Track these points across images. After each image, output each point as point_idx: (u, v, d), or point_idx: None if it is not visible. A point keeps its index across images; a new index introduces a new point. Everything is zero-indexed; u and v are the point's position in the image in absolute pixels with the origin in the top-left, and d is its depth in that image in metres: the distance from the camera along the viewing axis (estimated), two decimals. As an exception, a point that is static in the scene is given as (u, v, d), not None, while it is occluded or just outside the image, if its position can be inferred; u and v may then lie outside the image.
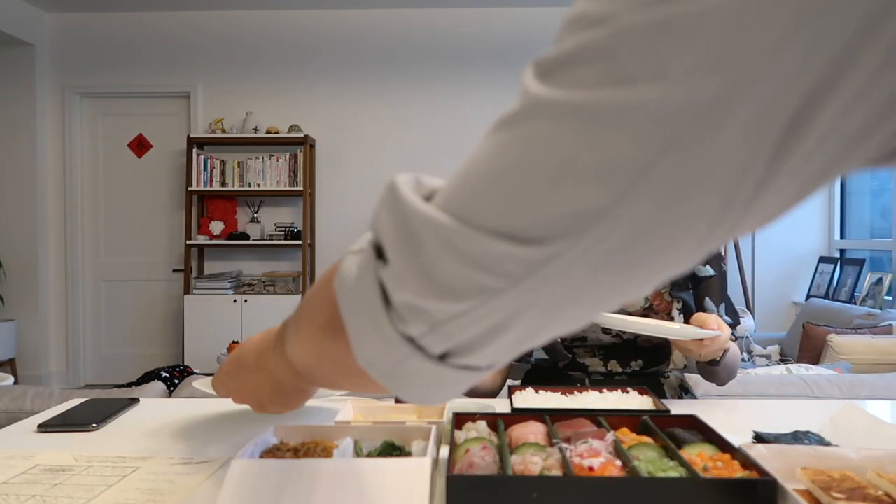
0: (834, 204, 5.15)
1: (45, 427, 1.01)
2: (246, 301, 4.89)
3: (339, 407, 1.04)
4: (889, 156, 0.28)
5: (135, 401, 1.17)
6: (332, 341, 0.44)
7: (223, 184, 5.04)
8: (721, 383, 1.32)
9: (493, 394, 1.34)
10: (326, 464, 0.71)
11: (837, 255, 5.03)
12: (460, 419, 0.88)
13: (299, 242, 5.00)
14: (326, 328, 0.45)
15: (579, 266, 0.29)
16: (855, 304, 4.32)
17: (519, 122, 0.28)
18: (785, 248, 5.16)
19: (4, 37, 4.80)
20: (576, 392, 1.09)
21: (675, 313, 1.33)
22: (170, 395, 1.79)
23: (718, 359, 1.21)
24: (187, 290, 4.99)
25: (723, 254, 1.44)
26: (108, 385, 4.53)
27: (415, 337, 0.34)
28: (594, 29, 0.26)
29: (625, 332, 1.31)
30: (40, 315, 5.13)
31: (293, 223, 5.17)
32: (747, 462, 0.71)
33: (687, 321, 1.29)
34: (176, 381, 2.95)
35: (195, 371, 3.40)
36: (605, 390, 1.09)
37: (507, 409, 1.00)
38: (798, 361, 3.52)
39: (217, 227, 5.11)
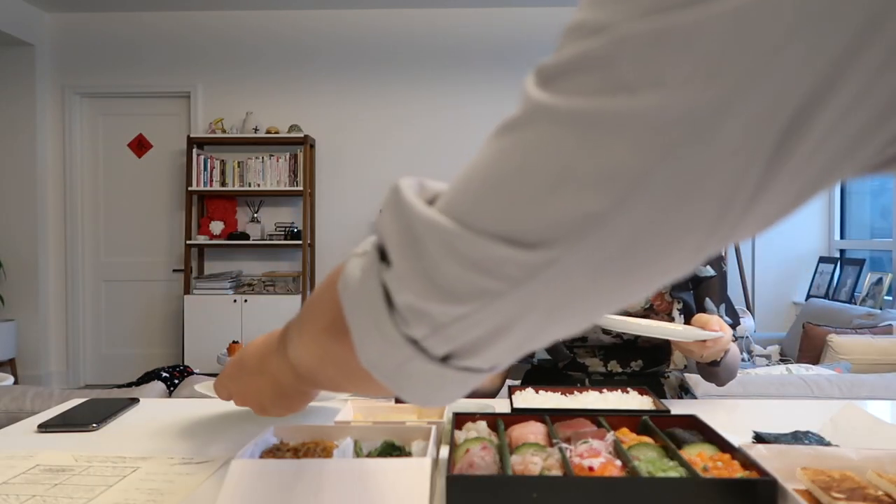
0: (834, 204, 5.15)
1: (45, 427, 1.01)
2: (246, 301, 4.89)
3: (339, 407, 1.04)
4: (887, 163, 0.29)
5: (135, 401, 1.17)
6: (335, 343, 0.45)
7: (223, 184, 5.04)
8: (721, 383, 1.32)
9: (492, 394, 1.34)
10: (326, 464, 0.71)
11: (837, 255, 5.03)
12: (460, 419, 0.88)
13: (299, 242, 5.00)
14: (330, 330, 0.45)
15: (579, 270, 0.29)
16: (855, 304, 4.32)
17: (520, 127, 0.29)
18: (785, 248, 5.17)
19: (4, 37, 4.80)
20: (576, 392, 1.09)
21: (675, 314, 1.33)
22: (170, 395, 1.79)
23: (719, 359, 1.21)
24: (187, 290, 4.99)
25: (723, 254, 1.44)
26: (108, 385, 4.53)
27: (417, 339, 0.34)
28: (593, 38, 0.26)
29: (625, 333, 1.31)
30: (40, 315, 5.13)
31: (293, 223, 5.17)
32: (747, 462, 0.71)
33: (687, 321, 1.29)
34: (176, 381, 2.95)
35: (195, 371, 3.39)
36: (605, 390, 1.09)
37: (507, 409, 1.00)
38: (798, 361, 3.52)
39: (217, 227, 5.11)
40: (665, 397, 1.33)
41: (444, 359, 0.35)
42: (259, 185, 5.03)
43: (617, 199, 0.27)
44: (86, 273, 5.34)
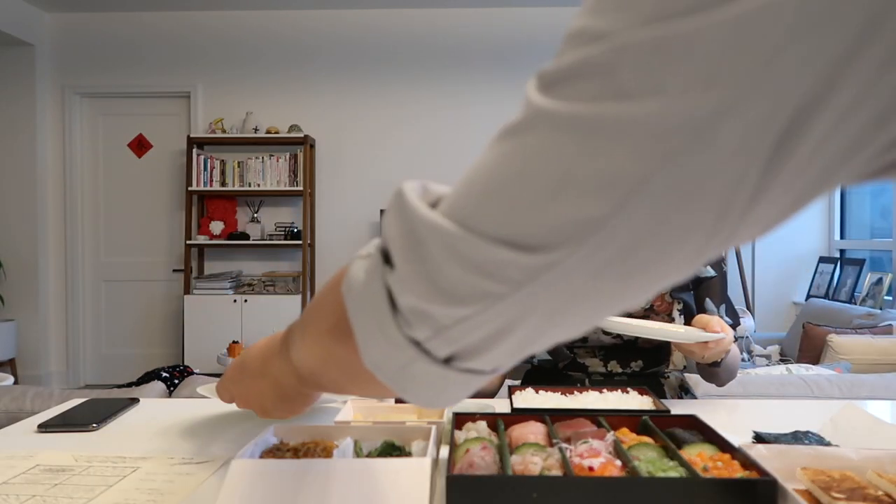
0: (834, 204, 5.15)
1: (45, 427, 1.01)
2: (246, 301, 4.89)
3: (339, 406, 1.04)
4: (885, 169, 0.29)
5: (135, 401, 1.17)
6: (338, 345, 0.45)
7: (223, 184, 5.04)
8: (721, 384, 1.32)
9: (491, 395, 1.34)
10: (326, 464, 0.71)
11: (837, 255, 5.03)
12: (460, 419, 0.88)
13: (299, 242, 5.00)
14: (333, 332, 0.45)
15: (579, 273, 0.30)
16: (855, 304, 4.32)
17: (521, 132, 0.29)
18: (785, 248, 5.17)
19: (4, 37, 4.80)
20: (576, 392, 1.09)
21: (675, 314, 1.33)
22: (170, 395, 1.79)
23: (720, 360, 1.21)
24: (187, 290, 4.99)
25: (723, 255, 1.44)
26: (108, 385, 4.54)
27: (420, 340, 0.35)
28: (594, 45, 0.27)
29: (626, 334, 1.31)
30: (40, 315, 5.13)
31: (293, 223, 5.17)
32: (747, 462, 0.71)
33: (688, 322, 1.29)
34: (176, 381, 2.95)
35: (195, 371, 3.39)
36: (605, 390, 1.09)
37: (507, 409, 1.00)
38: (798, 361, 3.52)
39: (217, 227, 5.11)
40: (665, 397, 1.33)
41: (447, 360, 0.35)
42: (259, 185, 5.03)
43: (617, 204, 0.27)
44: (86, 273, 5.34)
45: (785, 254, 5.18)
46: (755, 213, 0.28)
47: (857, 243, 5.03)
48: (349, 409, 0.99)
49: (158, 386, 1.76)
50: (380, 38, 5.18)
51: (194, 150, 5.00)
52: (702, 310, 1.34)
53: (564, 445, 0.75)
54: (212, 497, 0.71)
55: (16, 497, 0.73)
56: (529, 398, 1.08)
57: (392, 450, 0.80)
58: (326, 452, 0.77)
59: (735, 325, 1.32)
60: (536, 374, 1.43)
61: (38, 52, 5.09)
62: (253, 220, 5.18)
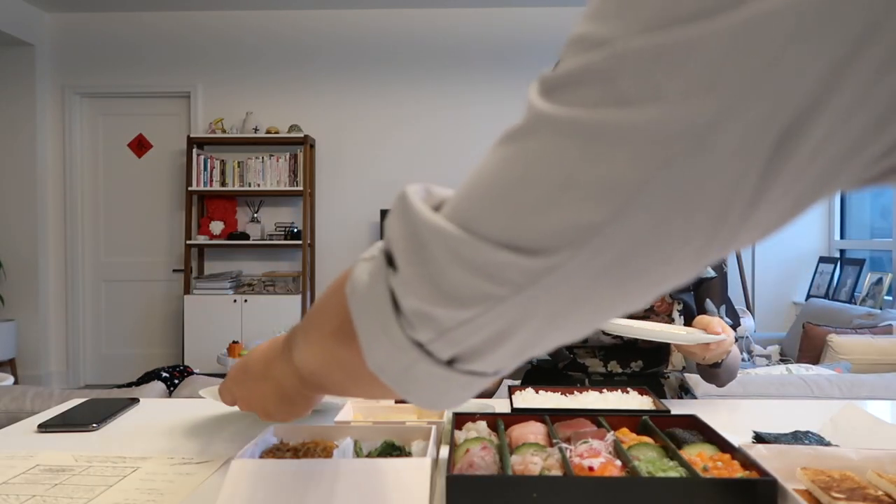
0: (834, 204, 5.15)
1: (45, 427, 1.01)
2: (246, 301, 4.89)
3: (339, 406, 1.04)
4: (884, 175, 0.29)
5: (135, 401, 1.17)
6: (341, 347, 0.45)
7: (223, 184, 5.04)
8: (721, 384, 1.32)
9: (489, 394, 1.34)
10: (326, 464, 0.71)
11: (837, 255, 5.03)
12: (460, 419, 0.88)
13: (299, 242, 5.00)
14: (336, 334, 0.46)
15: (579, 276, 0.30)
16: (855, 304, 4.32)
17: (524, 136, 0.30)
18: (785, 248, 5.17)
19: (4, 37, 4.80)
20: (576, 392, 1.09)
21: (675, 314, 1.33)
22: (170, 395, 1.79)
23: (720, 361, 1.21)
24: (187, 290, 4.99)
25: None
26: (108, 385, 4.54)
27: (423, 342, 0.35)
28: (595, 51, 0.27)
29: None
30: (40, 315, 5.13)
31: (293, 223, 5.17)
32: (747, 462, 0.71)
33: (688, 322, 1.29)
34: (176, 381, 2.95)
35: (195, 371, 3.39)
36: (605, 390, 1.09)
37: (507, 409, 1.00)
38: (798, 361, 3.52)
39: (217, 227, 5.11)
40: (665, 397, 1.33)
41: (450, 362, 0.36)
42: (259, 185, 5.03)
43: (617, 209, 0.28)
44: (86, 273, 5.34)
45: (785, 254, 5.18)
46: (755, 217, 0.28)
47: (857, 243, 5.03)
48: (349, 409, 0.99)
49: (158, 386, 1.76)
50: (380, 38, 5.18)
51: (194, 150, 5.00)
52: (702, 310, 1.34)
53: (564, 445, 0.75)
54: (212, 497, 0.71)
55: (16, 497, 0.73)
56: (529, 398, 1.08)
57: (392, 450, 0.80)
58: (326, 452, 0.77)
59: (735, 325, 1.32)
60: (536, 374, 1.43)
61: (38, 52, 5.09)
62: (253, 220, 5.18)
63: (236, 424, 1.03)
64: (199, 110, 5.21)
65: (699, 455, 0.75)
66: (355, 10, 5.15)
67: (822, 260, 4.98)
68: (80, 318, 5.31)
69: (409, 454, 0.80)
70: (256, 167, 5.03)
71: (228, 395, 0.76)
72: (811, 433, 0.87)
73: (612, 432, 0.79)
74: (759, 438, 0.87)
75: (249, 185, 5.03)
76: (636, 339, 1.34)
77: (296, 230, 5.08)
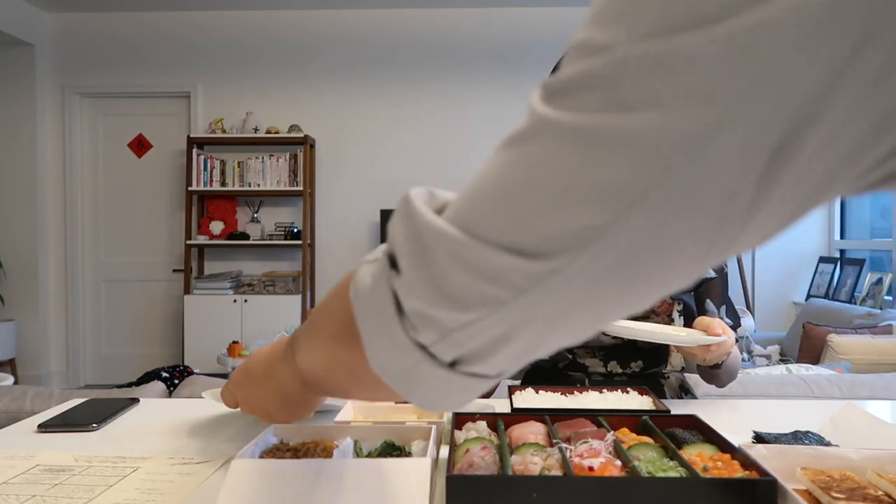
0: (834, 204, 5.15)
1: (45, 427, 1.01)
2: (246, 301, 4.89)
3: (340, 408, 1.04)
4: (884, 180, 0.29)
5: (135, 401, 1.17)
6: (344, 349, 0.46)
7: (223, 184, 5.05)
8: (722, 385, 1.32)
9: (488, 394, 1.34)
10: (326, 464, 0.71)
11: (837, 255, 5.03)
12: (460, 419, 0.88)
13: (299, 242, 5.00)
14: (340, 336, 0.46)
15: (580, 279, 0.30)
16: (855, 304, 4.32)
17: (526, 140, 0.30)
18: (785, 248, 5.17)
19: (4, 37, 4.80)
20: (576, 392, 1.09)
21: (675, 315, 1.33)
22: (170, 395, 1.79)
23: (720, 362, 1.21)
24: (187, 290, 4.99)
25: (723, 255, 1.43)
26: (108, 385, 4.54)
27: (426, 344, 0.35)
28: (596, 57, 0.27)
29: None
30: (40, 315, 5.13)
31: (293, 223, 5.17)
32: (747, 462, 0.71)
33: (688, 323, 1.28)
34: (176, 381, 2.95)
35: (195, 371, 3.39)
36: (604, 390, 1.09)
37: (507, 409, 1.00)
38: (798, 361, 3.52)
39: (217, 227, 5.11)
40: (665, 398, 1.33)
41: (452, 364, 0.36)
42: (259, 185, 5.03)
43: (617, 213, 0.28)
44: (86, 273, 5.34)
45: (785, 254, 5.18)
46: (755, 221, 0.28)
47: (857, 243, 5.03)
48: (349, 409, 0.99)
49: (158, 386, 1.76)
50: (380, 38, 5.18)
51: (194, 150, 5.00)
52: (702, 311, 1.34)
53: (564, 445, 0.75)
54: (212, 497, 0.71)
55: (16, 497, 0.73)
56: (529, 398, 1.08)
57: (392, 450, 0.80)
58: (326, 452, 0.77)
59: (736, 326, 1.31)
60: (536, 374, 1.43)
61: (38, 52, 5.09)
62: (253, 220, 5.18)
63: (236, 424, 1.03)
64: (199, 110, 5.21)
65: (699, 455, 0.75)
66: (355, 10, 5.15)
67: (823, 260, 4.98)
68: (80, 318, 5.31)
69: (409, 454, 0.80)
70: (256, 167, 5.03)
71: (230, 398, 0.76)
72: (811, 433, 0.87)
73: (612, 432, 0.79)
74: (759, 438, 0.87)
75: (249, 185, 5.03)
76: (636, 340, 1.34)
77: (296, 230, 5.08)
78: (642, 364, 1.35)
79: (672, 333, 1.13)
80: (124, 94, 5.24)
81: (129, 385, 2.36)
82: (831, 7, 0.23)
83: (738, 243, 0.30)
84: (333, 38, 5.19)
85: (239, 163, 5.04)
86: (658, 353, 1.36)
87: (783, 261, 5.20)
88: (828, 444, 0.84)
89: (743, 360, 3.95)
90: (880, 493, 0.65)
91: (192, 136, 5.05)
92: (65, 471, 0.82)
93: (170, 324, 5.27)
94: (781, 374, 2.18)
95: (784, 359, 4.08)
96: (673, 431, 0.82)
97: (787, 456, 0.74)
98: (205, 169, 5.02)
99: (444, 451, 0.83)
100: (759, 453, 0.73)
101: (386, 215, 4.94)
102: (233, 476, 0.68)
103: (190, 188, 5.00)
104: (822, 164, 0.27)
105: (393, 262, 0.36)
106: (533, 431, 0.83)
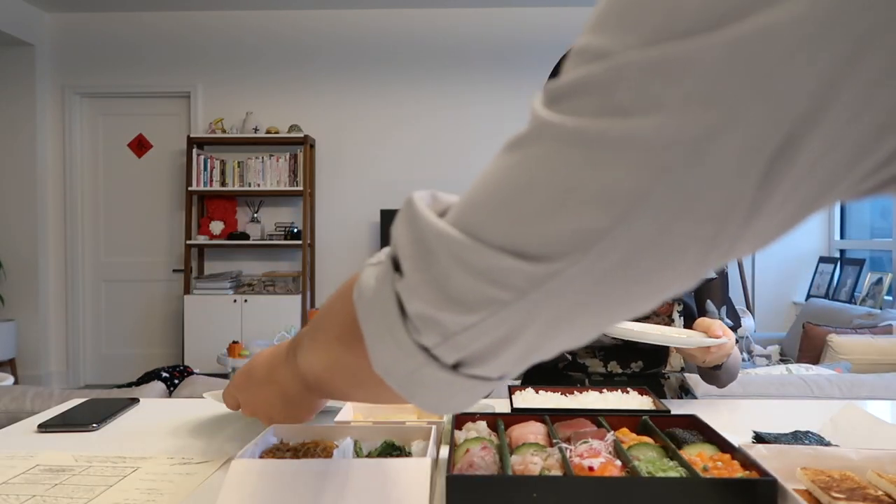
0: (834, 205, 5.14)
1: (45, 427, 1.01)
2: (246, 301, 4.89)
3: (339, 407, 1.04)
4: (884, 184, 0.30)
5: (135, 401, 1.17)
6: (347, 351, 0.46)
7: (223, 184, 5.05)
8: (722, 385, 1.32)
9: (487, 394, 1.34)
10: (326, 464, 0.71)
11: (837, 255, 5.03)
12: (460, 419, 0.88)
13: (299, 242, 5.00)
14: (343, 338, 0.47)
15: (581, 282, 0.30)
16: (855, 304, 4.32)
17: (528, 144, 0.30)
18: (785, 248, 5.17)
19: (4, 37, 4.80)
20: (576, 392, 1.09)
21: (675, 315, 1.33)
22: (170, 395, 1.79)
23: (721, 363, 1.21)
24: (187, 290, 4.99)
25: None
26: (108, 385, 4.54)
27: (429, 346, 0.35)
28: (595, 63, 0.28)
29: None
30: (40, 315, 5.13)
31: (293, 223, 5.17)
32: (747, 462, 0.71)
33: (688, 324, 1.28)
34: (176, 381, 2.95)
35: (195, 371, 3.39)
36: (605, 390, 1.09)
37: (507, 409, 1.00)
38: (798, 361, 3.52)
39: (217, 227, 5.11)
40: (665, 398, 1.33)
41: (455, 367, 0.36)
42: (259, 185, 5.03)
43: (618, 216, 0.28)
44: (86, 273, 5.34)
45: (785, 254, 5.18)
46: (755, 225, 0.29)
47: (857, 243, 5.03)
48: (349, 410, 0.99)
49: (158, 386, 1.76)
50: (380, 38, 5.18)
51: (194, 150, 5.00)
52: (703, 311, 1.34)
53: (564, 445, 0.75)
54: (212, 497, 0.71)
55: (16, 497, 0.73)
56: (529, 398, 1.08)
57: (392, 450, 0.80)
58: (326, 452, 0.77)
59: (736, 326, 1.31)
60: (536, 374, 1.43)
61: (38, 52, 5.09)
62: (253, 220, 5.18)
63: (236, 424, 1.03)
64: (199, 110, 5.21)
65: (699, 455, 0.74)
66: (355, 10, 5.15)
67: (822, 260, 4.98)
68: (80, 318, 5.31)
69: (409, 454, 0.80)
70: (256, 167, 5.03)
71: (232, 400, 0.76)
72: (811, 433, 0.87)
73: (612, 432, 0.79)
74: (759, 438, 0.87)
75: (249, 185, 5.03)
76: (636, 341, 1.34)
77: (296, 230, 5.08)
78: (642, 364, 1.35)
79: (672, 335, 1.13)
80: (124, 94, 5.24)
81: (129, 385, 2.36)
82: (834, 11, 0.23)
83: (738, 246, 0.30)
84: (333, 38, 5.19)
85: (239, 163, 5.04)
86: (658, 353, 1.36)
87: (783, 261, 5.20)
88: (828, 444, 0.83)
89: (743, 360, 3.95)
90: (880, 493, 0.65)
91: (192, 136, 5.05)
92: (65, 471, 0.81)
93: (170, 324, 5.27)
94: (781, 374, 2.18)
95: (784, 359, 4.08)
96: (673, 431, 0.82)
97: (787, 456, 0.74)
98: (205, 169, 5.02)
99: (444, 451, 0.83)
100: (759, 453, 0.73)
101: (386, 215, 4.94)
102: (233, 476, 0.68)
103: (190, 188, 5.00)
104: (823, 168, 0.27)
105: (396, 265, 0.36)
106: (533, 431, 0.83)
